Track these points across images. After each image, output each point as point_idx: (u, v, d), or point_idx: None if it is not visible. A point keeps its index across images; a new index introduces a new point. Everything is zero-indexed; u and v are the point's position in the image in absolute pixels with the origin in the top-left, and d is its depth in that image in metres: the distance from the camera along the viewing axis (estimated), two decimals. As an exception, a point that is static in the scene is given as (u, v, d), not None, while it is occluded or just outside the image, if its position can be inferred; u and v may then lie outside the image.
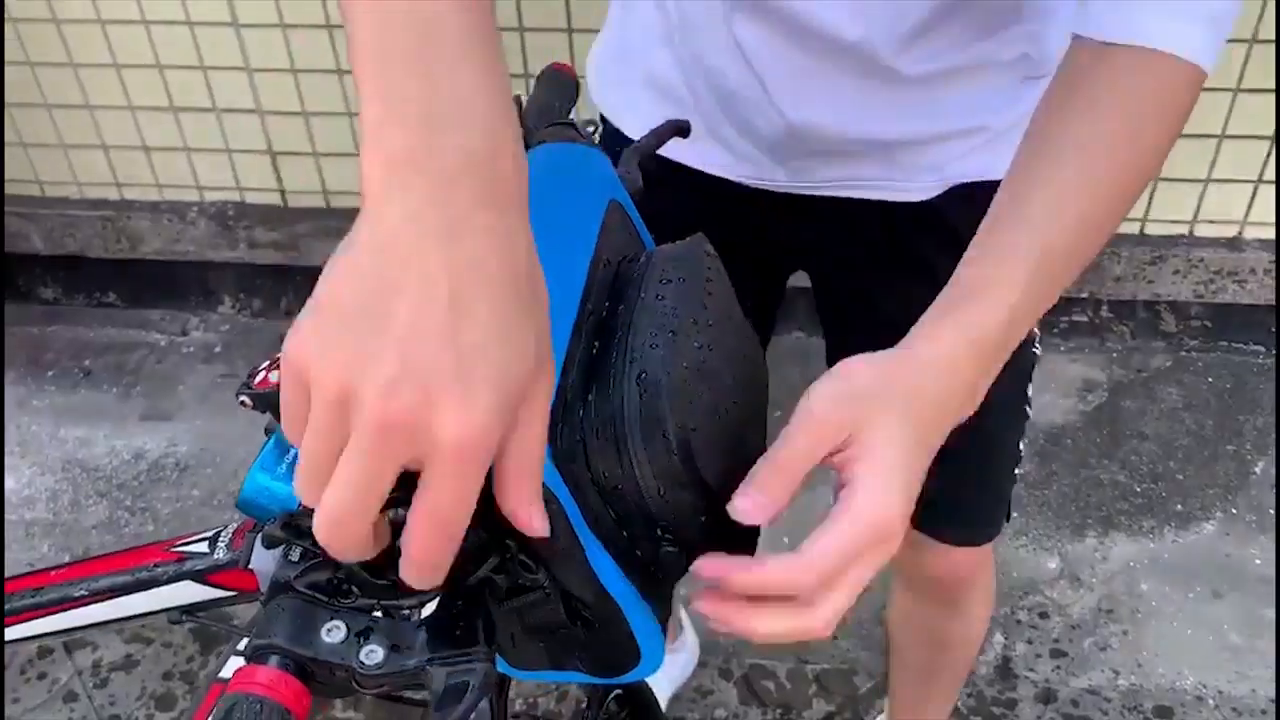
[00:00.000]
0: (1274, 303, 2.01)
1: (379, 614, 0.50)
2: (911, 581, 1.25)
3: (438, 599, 0.51)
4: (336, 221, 2.13)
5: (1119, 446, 1.97)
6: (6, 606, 0.78)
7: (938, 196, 0.93)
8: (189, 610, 0.78)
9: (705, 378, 0.60)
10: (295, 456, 0.55)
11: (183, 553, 0.76)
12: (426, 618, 0.51)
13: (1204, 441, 1.97)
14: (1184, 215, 1.96)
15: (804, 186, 0.96)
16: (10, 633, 0.78)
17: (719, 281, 0.68)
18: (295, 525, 0.49)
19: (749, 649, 1.71)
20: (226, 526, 0.77)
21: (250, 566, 0.58)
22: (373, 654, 0.48)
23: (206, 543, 0.76)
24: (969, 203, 0.81)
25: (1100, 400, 2.05)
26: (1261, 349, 2.09)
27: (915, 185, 0.94)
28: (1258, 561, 1.80)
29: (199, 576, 0.76)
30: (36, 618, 0.79)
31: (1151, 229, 1.99)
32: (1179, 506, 1.88)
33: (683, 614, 1.67)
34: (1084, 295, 2.05)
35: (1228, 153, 1.88)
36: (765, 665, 1.68)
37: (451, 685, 0.48)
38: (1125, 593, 1.77)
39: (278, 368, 0.65)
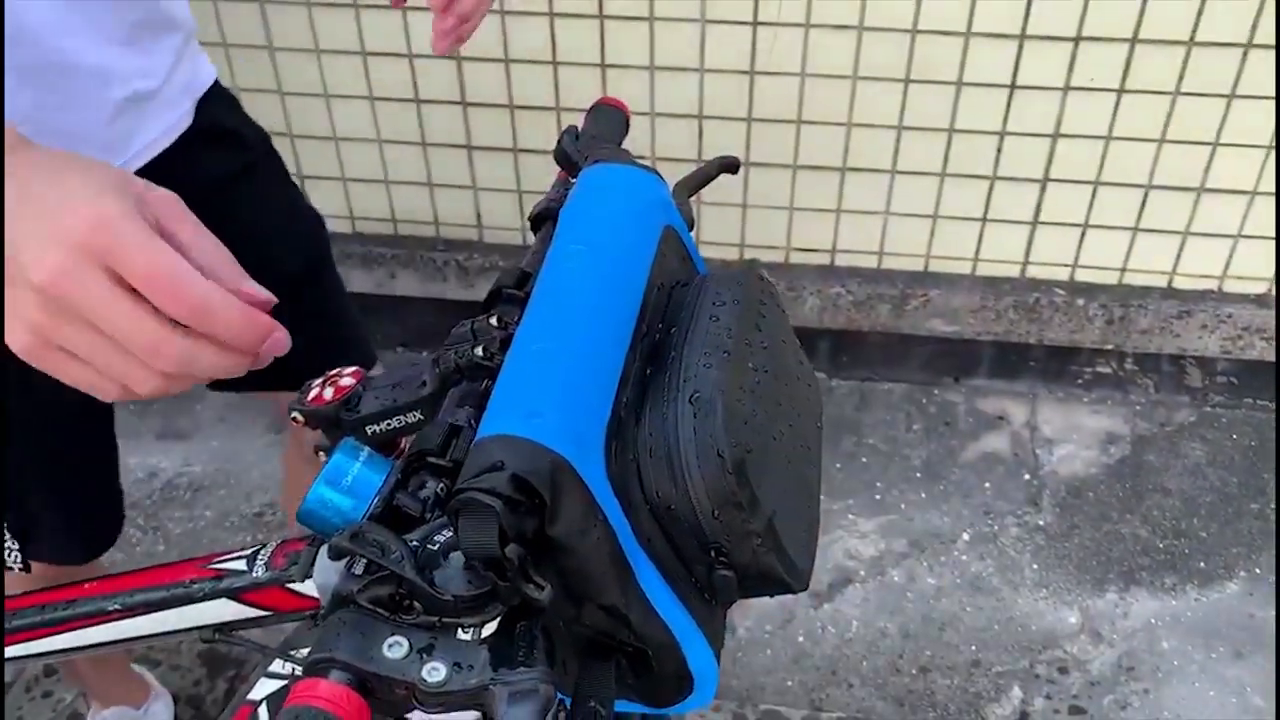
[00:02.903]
0: (1300, 362, 2.01)
1: (440, 631, 0.49)
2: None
3: (499, 618, 0.50)
4: (361, 246, 2.13)
5: (1141, 501, 1.95)
6: (39, 619, 0.76)
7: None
8: (221, 629, 0.77)
9: (760, 399, 0.59)
10: (360, 471, 0.54)
11: (220, 570, 0.75)
12: (488, 637, 0.49)
13: (1228, 499, 1.95)
14: (1214, 270, 1.96)
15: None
16: (40, 645, 0.77)
17: (772, 305, 0.67)
18: (363, 537, 0.48)
19: (763, 694, 1.68)
20: (265, 545, 0.75)
21: (311, 579, 0.56)
22: (435, 671, 0.47)
23: (245, 560, 0.74)
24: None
25: (1123, 453, 2.03)
26: (1286, 408, 2.08)
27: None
28: (1282, 623, 1.77)
29: (235, 594, 0.74)
30: (67, 631, 0.77)
31: (1180, 283, 1.98)
32: (1202, 564, 1.86)
33: (150, 676, 1.62)
34: (1109, 347, 2.04)
35: (1259, 209, 1.87)
36: (781, 712, 1.66)
37: (513, 706, 0.47)
38: (1146, 650, 1.75)
39: (331, 384, 0.65)
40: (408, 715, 0.54)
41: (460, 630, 0.49)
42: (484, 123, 1.97)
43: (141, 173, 0.98)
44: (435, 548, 0.50)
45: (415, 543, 0.50)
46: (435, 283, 2.13)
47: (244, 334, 0.51)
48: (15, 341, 0.50)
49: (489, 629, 0.50)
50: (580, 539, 0.50)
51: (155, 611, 0.76)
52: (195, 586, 0.75)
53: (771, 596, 0.61)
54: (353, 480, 0.53)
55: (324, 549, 0.53)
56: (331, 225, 2.15)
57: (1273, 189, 1.85)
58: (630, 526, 0.55)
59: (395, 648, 0.48)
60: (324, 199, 2.13)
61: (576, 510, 0.50)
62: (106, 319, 0.49)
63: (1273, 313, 1.96)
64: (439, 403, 0.61)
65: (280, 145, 2.05)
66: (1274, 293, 1.97)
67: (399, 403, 0.63)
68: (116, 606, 0.77)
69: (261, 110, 2.03)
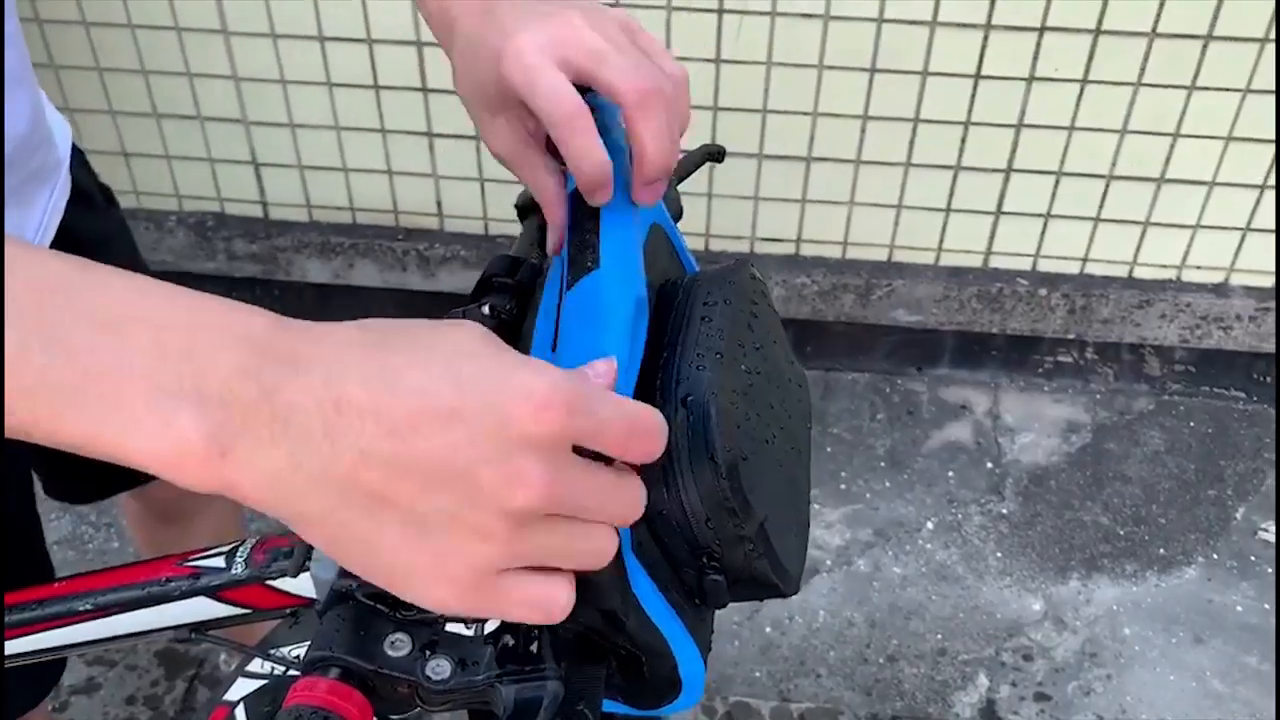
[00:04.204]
0: (1256, 350, 2.03)
1: (443, 627, 0.47)
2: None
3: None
4: (318, 235, 2.10)
5: (1102, 489, 1.97)
6: (5, 620, 0.74)
7: None
8: (197, 628, 0.75)
9: (753, 402, 0.58)
10: None
11: (197, 567, 0.72)
12: (491, 633, 0.48)
13: (1186, 485, 1.98)
14: (1173, 260, 1.98)
15: None
16: (10, 647, 0.74)
17: (764, 304, 0.66)
18: (364, 531, 0.46)
19: (732, 685, 1.68)
20: (245, 541, 0.73)
21: (306, 574, 0.54)
22: (439, 669, 0.46)
23: (223, 557, 0.72)
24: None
25: (1084, 442, 2.05)
26: (1243, 395, 2.11)
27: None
28: (1239, 609, 1.80)
29: (213, 592, 0.72)
30: (37, 632, 0.74)
31: (1140, 272, 2.00)
32: (1161, 550, 1.88)
33: None
34: (1070, 336, 2.06)
35: (1217, 199, 1.90)
36: (749, 703, 1.65)
37: (521, 704, 0.45)
38: (1109, 636, 1.77)
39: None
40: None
41: (463, 626, 0.47)
42: (445, 110, 1.94)
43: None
44: (437, 541, 0.48)
45: (416, 536, 0.48)
46: (395, 273, 2.10)
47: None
48: (442, 594, 0.40)
49: (492, 625, 0.49)
50: None
51: (129, 611, 0.74)
52: (172, 585, 0.72)
53: (761, 600, 0.60)
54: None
55: (320, 544, 0.51)
56: (289, 214, 2.12)
57: (1229, 179, 1.88)
58: (626, 531, 0.53)
59: (397, 645, 0.46)
60: (280, 187, 2.09)
61: None
62: (592, 501, 0.41)
63: (1229, 301, 1.99)
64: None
65: (235, 132, 2.02)
66: (1230, 282, 2.00)
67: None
68: (88, 606, 0.74)
69: (215, 96, 1.99)
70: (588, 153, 0.54)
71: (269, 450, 0.37)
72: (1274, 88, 1.76)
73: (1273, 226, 1.92)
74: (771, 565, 0.56)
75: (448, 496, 0.38)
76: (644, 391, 0.56)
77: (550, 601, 0.41)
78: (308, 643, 0.76)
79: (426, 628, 0.47)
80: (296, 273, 2.14)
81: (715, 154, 0.86)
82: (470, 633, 0.47)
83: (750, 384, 0.58)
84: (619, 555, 0.52)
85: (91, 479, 1.19)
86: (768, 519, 0.56)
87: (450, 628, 0.47)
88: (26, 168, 0.84)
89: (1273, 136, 1.82)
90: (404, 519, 0.38)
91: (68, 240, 0.93)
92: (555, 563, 0.41)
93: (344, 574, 0.47)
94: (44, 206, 0.89)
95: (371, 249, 2.08)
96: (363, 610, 0.47)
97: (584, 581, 0.50)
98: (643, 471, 0.51)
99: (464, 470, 0.37)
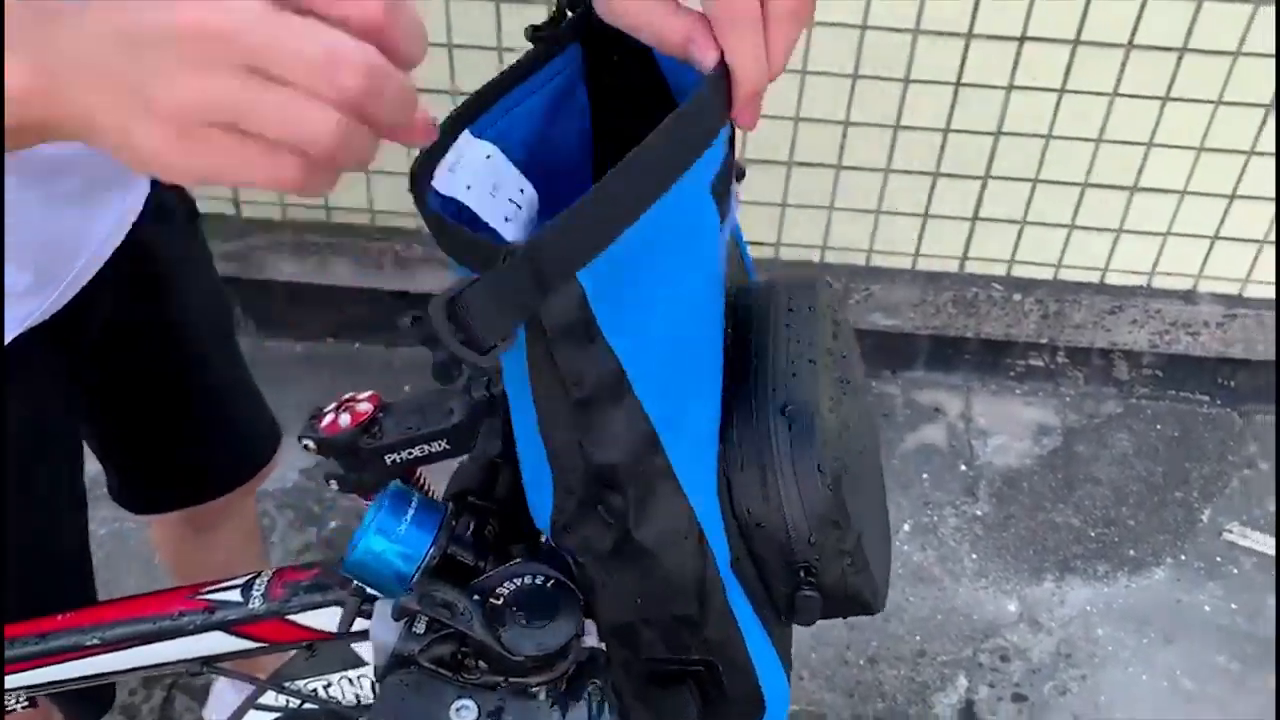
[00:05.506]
0: (1222, 355, 2.07)
1: (508, 691, 0.46)
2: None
3: (567, 675, 0.48)
4: (291, 234, 2.06)
5: (1073, 490, 2.00)
6: (9, 654, 0.72)
7: None
8: (209, 661, 0.73)
9: (846, 411, 0.57)
10: (414, 515, 0.51)
11: (211, 601, 0.71)
12: (557, 696, 0.47)
13: (1154, 488, 2.01)
14: (1144, 266, 2.01)
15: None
16: (12, 680, 0.72)
17: (841, 315, 0.66)
18: (430, 597, 0.45)
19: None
20: (260, 574, 0.72)
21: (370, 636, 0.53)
22: (506, 737, 0.45)
23: (238, 591, 0.71)
24: None
25: (1055, 444, 2.08)
26: (1207, 399, 2.15)
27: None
28: (1207, 608, 1.83)
29: (228, 627, 0.71)
30: (39, 667, 0.72)
31: (1112, 278, 2.03)
32: (1131, 552, 1.91)
33: None
34: (1043, 341, 2.09)
35: (1187, 208, 1.93)
36: (732, 706, 1.66)
37: (590, 771, 0.45)
38: (1082, 637, 1.79)
39: (346, 410, 0.61)
40: None
41: (527, 690, 0.46)
42: (425, 107, 1.91)
43: (120, 249, 0.90)
44: (499, 601, 0.47)
45: (477, 597, 0.47)
46: (370, 271, 2.07)
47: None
48: (151, 139, 0.41)
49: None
50: (671, 548, 0.47)
51: (138, 646, 0.72)
52: (185, 619, 0.71)
53: (845, 618, 0.59)
54: (407, 526, 0.50)
55: (380, 605, 0.50)
56: (262, 211, 2.08)
57: (1199, 189, 1.91)
58: (724, 545, 0.52)
59: (463, 712, 0.45)
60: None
61: (670, 517, 0.47)
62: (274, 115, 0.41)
63: (1198, 308, 2.02)
64: (467, 433, 0.58)
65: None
66: (1198, 289, 2.03)
67: (423, 431, 0.60)
68: (95, 641, 0.72)
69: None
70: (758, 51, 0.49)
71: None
72: (1264, 101, 1.79)
73: (1241, 235, 1.95)
74: (865, 581, 0.55)
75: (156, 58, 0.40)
76: (737, 398, 0.55)
77: (274, 168, 0.41)
78: (324, 677, 0.75)
79: (492, 693, 0.46)
80: (270, 271, 2.10)
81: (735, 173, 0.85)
82: (542, 697, 0.46)
83: (843, 394, 0.57)
84: (714, 572, 0.50)
85: (158, 492, 1.23)
86: (863, 533, 0.54)
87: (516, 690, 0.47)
88: (90, 171, 0.82)
89: (1243, 147, 1.85)
90: (130, 78, 0.41)
91: (143, 257, 0.94)
92: (266, 127, 0.40)
93: (406, 638, 0.46)
94: (118, 209, 0.89)
95: (346, 248, 2.05)
96: (425, 675, 0.46)
97: (664, 585, 0.48)
98: (744, 480, 0.50)
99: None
